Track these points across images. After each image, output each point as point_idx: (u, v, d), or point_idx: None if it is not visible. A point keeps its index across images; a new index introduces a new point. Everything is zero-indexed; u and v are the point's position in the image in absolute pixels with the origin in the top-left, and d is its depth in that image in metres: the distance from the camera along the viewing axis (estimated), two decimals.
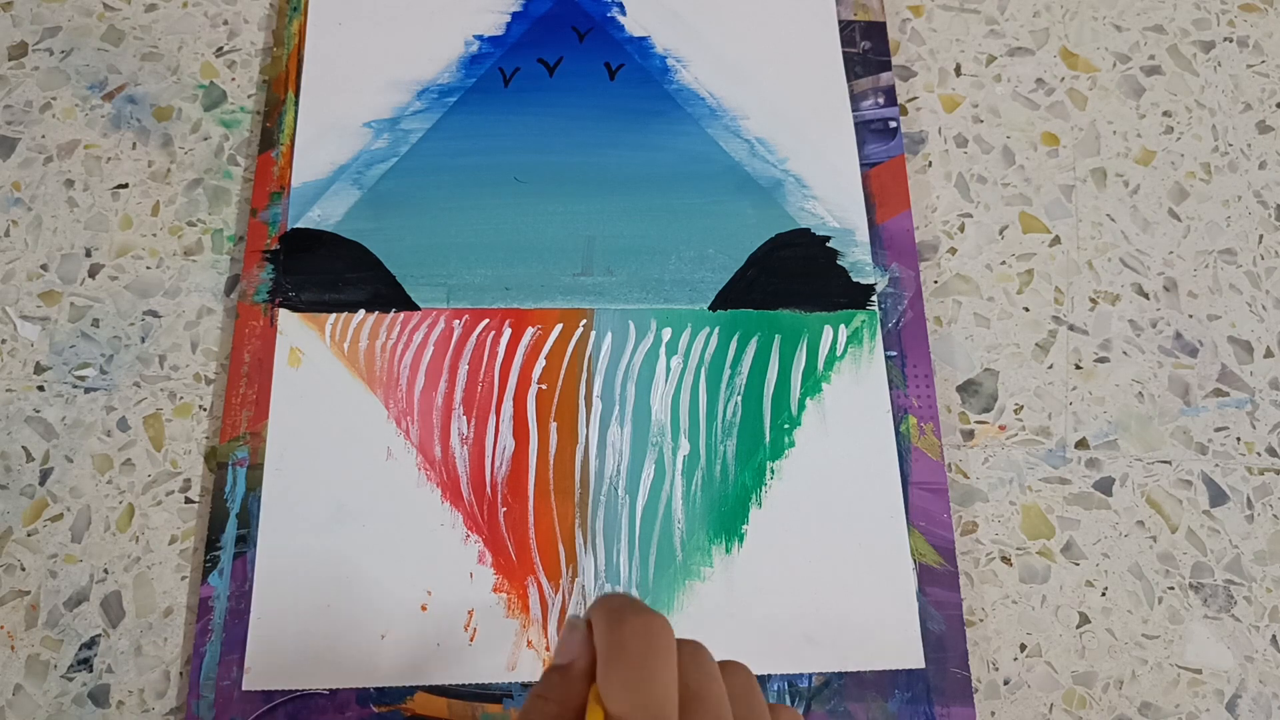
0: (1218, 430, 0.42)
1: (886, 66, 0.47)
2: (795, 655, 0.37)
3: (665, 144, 0.45)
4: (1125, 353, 0.43)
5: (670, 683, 0.24)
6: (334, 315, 0.41)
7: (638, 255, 0.43)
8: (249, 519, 0.38)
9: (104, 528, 0.38)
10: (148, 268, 0.42)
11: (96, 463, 0.39)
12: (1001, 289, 0.44)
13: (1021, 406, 0.42)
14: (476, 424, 0.40)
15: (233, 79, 0.46)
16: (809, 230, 0.43)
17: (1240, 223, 0.45)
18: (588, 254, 0.43)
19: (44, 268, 0.42)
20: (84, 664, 0.37)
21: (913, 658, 0.37)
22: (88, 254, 0.42)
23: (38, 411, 0.40)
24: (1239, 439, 0.42)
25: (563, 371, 0.41)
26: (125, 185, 0.44)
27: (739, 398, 0.41)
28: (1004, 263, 0.44)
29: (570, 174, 0.44)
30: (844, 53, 0.47)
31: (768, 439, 0.40)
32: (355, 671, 0.36)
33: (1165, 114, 0.47)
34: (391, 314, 0.41)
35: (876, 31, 0.48)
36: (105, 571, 0.38)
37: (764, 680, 0.36)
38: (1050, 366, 0.42)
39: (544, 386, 0.40)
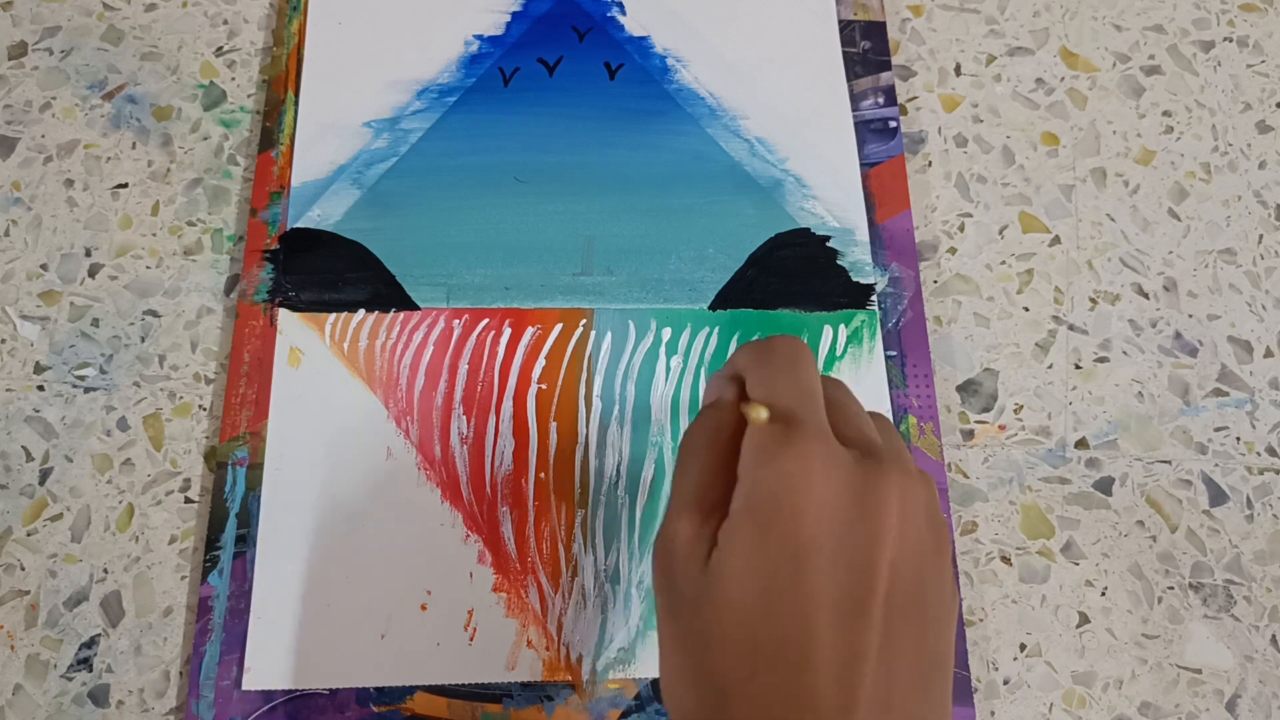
0: (1218, 430, 0.42)
1: (886, 66, 0.47)
2: None
3: (665, 144, 0.45)
4: (1125, 352, 0.43)
5: (816, 378, 0.26)
6: (334, 315, 0.41)
7: (638, 255, 0.43)
8: (249, 519, 0.38)
9: (104, 527, 0.38)
10: (147, 267, 0.42)
11: (96, 462, 0.39)
12: (1001, 289, 0.44)
13: (1021, 406, 0.42)
14: (476, 424, 0.40)
15: (232, 79, 0.46)
16: (809, 230, 0.43)
17: (1240, 223, 0.45)
18: (588, 254, 0.43)
19: (44, 267, 0.42)
20: (84, 664, 0.37)
21: None
22: (87, 254, 0.42)
23: (37, 411, 0.40)
24: (1239, 439, 0.42)
25: (563, 371, 0.41)
26: (125, 185, 0.44)
27: None
28: (1004, 262, 0.44)
29: (570, 174, 0.44)
30: (844, 52, 0.47)
31: None
32: (355, 671, 0.36)
33: (1165, 114, 0.47)
34: (391, 314, 0.41)
35: (876, 31, 0.48)
36: (105, 571, 0.38)
37: None
38: (1050, 366, 0.42)
39: (544, 386, 0.40)
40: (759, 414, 0.24)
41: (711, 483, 0.26)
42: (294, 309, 0.41)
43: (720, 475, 0.26)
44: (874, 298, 0.42)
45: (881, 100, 0.46)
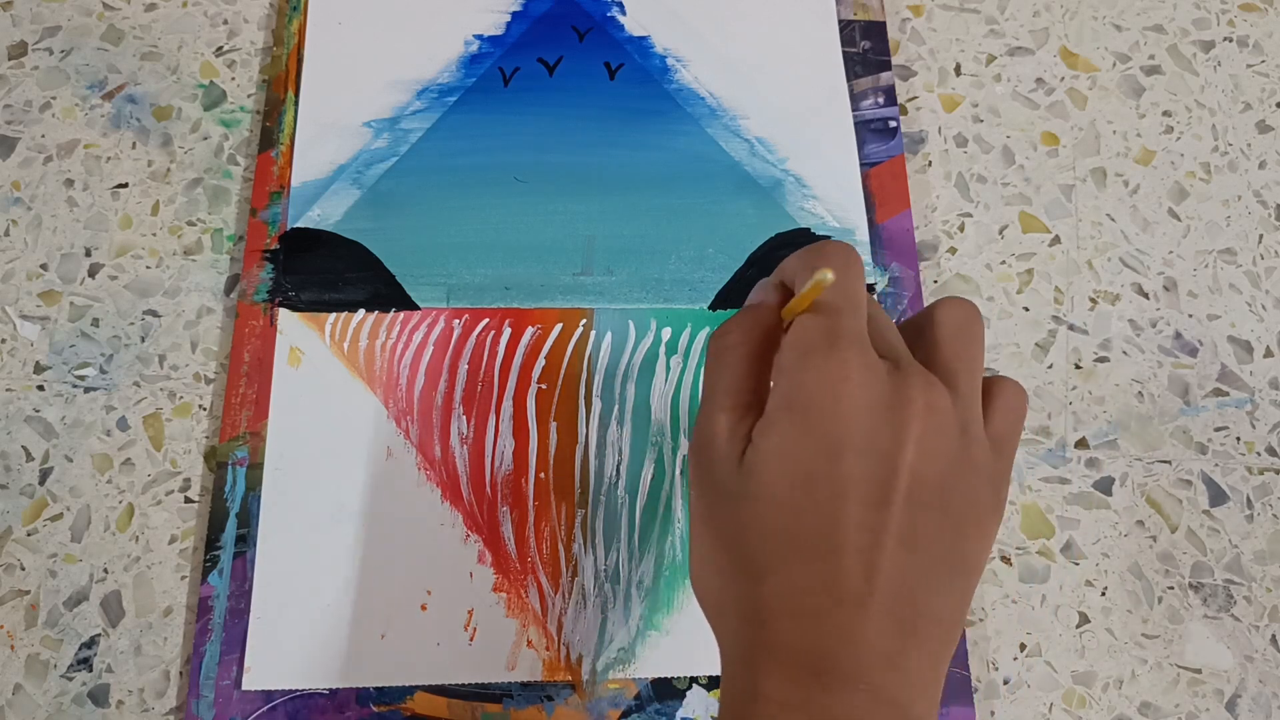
0: (1218, 430, 0.42)
1: (886, 66, 0.47)
2: None
3: (665, 144, 0.45)
4: (1125, 352, 0.43)
5: (864, 287, 0.27)
6: (334, 315, 0.41)
7: (638, 255, 0.43)
8: (249, 519, 0.38)
9: (104, 527, 0.38)
10: (147, 267, 0.42)
11: (96, 462, 0.39)
12: (1001, 289, 0.44)
13: None
14: (476, 424, 0.40)
15: (232, 78, 0.46)
16: (809, 230, 0.43)
17: (1240, 222, 0.45)
18: (588, 254, 0.43)
19: (44, 267, 0.42)
20: (84, 664, 0.37)
21: None
22: (87, 254, 0.42)
23: (37, 411, 0.40)
24: (1239, 439, 0.42)
25: (562, 371, 0.41)
26: (125, 185, 0.44)
27: None
28: (1004, 262, 0.44)
29: (570, 174, 0.44)
30: (844, 52, 0.47)
31: None
32: (355, 671, 0.36)
33: (1165, 114, 0.47)
34: (391, 314, 0.41)
35: (876, 31, 0.48)
36: (105, 571, 0.38)
37: None
38: (1050, 366, 0.42)
39: (544, 386, 0.40)
40: (825, 275, 0.25)
41: (745, 383, 0.27)
42: (294, 309, 0.41)
43: (754, 376, 0.27)
44: (874, 298, 0.42)
45: (881, 100, 0.46)
